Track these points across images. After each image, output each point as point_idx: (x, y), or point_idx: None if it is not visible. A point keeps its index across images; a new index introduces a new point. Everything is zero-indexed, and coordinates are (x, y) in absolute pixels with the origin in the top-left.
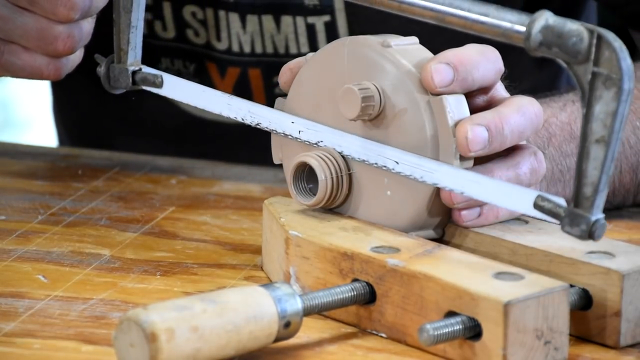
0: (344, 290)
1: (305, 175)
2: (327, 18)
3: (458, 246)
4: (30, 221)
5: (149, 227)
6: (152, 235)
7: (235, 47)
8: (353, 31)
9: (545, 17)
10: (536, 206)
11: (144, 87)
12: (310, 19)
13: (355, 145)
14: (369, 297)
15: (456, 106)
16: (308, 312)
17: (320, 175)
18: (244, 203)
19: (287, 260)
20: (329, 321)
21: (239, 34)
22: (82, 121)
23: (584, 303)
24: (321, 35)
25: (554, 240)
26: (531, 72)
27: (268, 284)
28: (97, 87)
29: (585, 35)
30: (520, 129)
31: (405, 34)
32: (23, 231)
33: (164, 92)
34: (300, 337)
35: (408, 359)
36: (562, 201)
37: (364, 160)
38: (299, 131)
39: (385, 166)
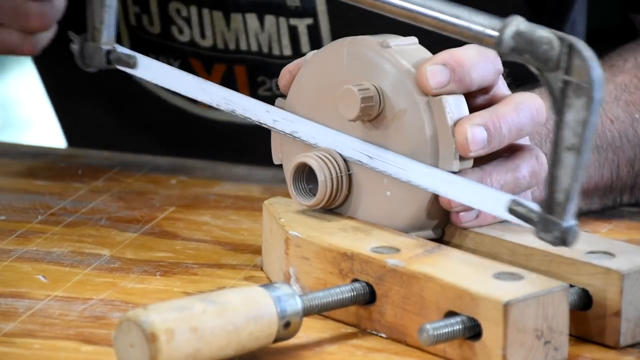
0: (344, 291)
1: (305, 175)
2: (309, 21)
3: (458, 246)
4: (30, 221)
5: (149, 227)
6: (152, 235)
7: (220, 44)
8: (336, 35)
9: (517, 23)
10: (510, 210)
11: (118, 67)
12: (293, 21)
13: (327, 137)
14: (369, 297)
15: (455, 106)
16: (308, 312)
17: (320, 176)
18: (244, 203)
19: (287, 260)
20: (328, 321)
21: (224, 31)
22: (81, 122)
23: (583, 303)
24: (304, 38)
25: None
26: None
27: (268, 284)
28: (94, 85)
29: (556, 43)
30: (518, 126)
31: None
32: (23, 231)
33: (138, 72)
34: (300, 338)
35: (408, 359)
36: (535, 206)
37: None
38: (273, 120)
39: (360, 161)
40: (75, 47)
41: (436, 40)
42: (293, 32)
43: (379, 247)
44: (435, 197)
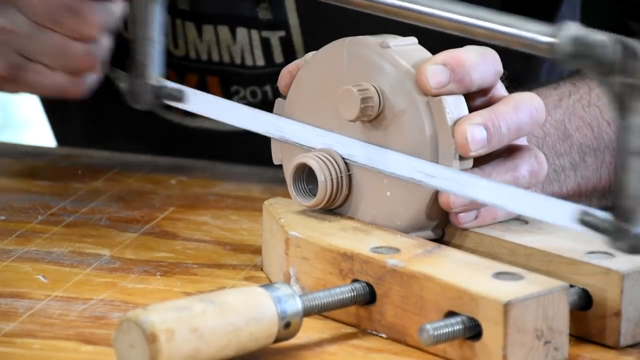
0: (344, 291)
1: (305, 176)
2: (282, 33)
3: (458, 246)
4: (30, 221)
5: (149, 227)
6: (152, 235)
7: (193, 55)
8: (309, 47)
9: (572, 28)
10: (580, 221)
11: (167, 102)
12: (265, 33)
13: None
14: (369, 297)
15: (455, 107)
16: (308, 312)
17: (320, 177)
18: (244, 203)
19: (287, 260)
20: (328, 321)
21: (196, 42)
22: (74, 129)
23: (584, 303)
24: (277, 50)
25: (554, 240)
26: (515, 59)
27: (268, 284)
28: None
29: (613, 45)
30: (517, 125)
31: None
32: (23, 231)
33: (188, 106)
34: (300, 338)
35: (408, 359)
36: (606, 215)
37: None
38: (324, 143)
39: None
40: (122, 84)
41: (435, 40)
42: (265, 43)
43: (379, 248)
44: (435, 198)
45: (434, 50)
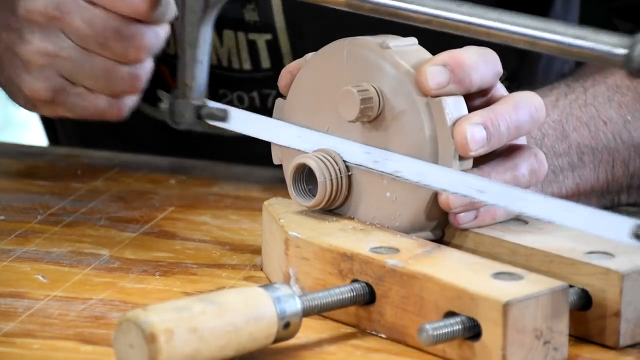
0: (344, 291)
1: (305, 176)
2: (268, 36)
3: (458, 247)
4: (29, 221)
5: (148, 227)
6: (152, 235)
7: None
8: (296, 51)
9: None
10: (635, 236)
11: (210, 122)
12: (252, 36)
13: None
14: (369, 297)
15: (455, 107)
16: (307, 312)
17: (320, 177)
18: (244, 203)
19: (287, 261)
20: (328, 322)
21: None
22: (67, 131)
23: (583, 303)
24: (263, 53)
25: (554, 240)
26: (514, 57)
27: (267, 284)
28: None
29: None
30: (517, 125)
31: None
32: (22, 231)
33: (231, 126)
34: (299, 338)
35: (408, 359)
36: None
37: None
38: (375, 162)
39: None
40: (164, 105)
41: (435, 41)
42: (252, 46)
43: (379, 248)
44: (435, 198)
45: (434, 51)
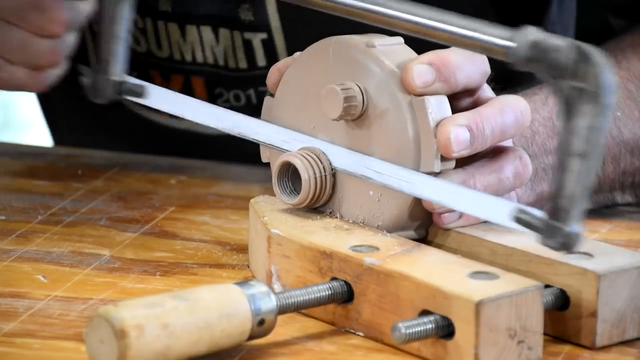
0: (321, 289)
1: (290, 174)
2: (263, 36)
3: (440, 246)
4: (30, 221)
5: (148, 227)
6: (152, 235)
7: (177, 56)
8: (292, 50)
9: (531, 33)
10: (516, 219)
11: (129, 98)
12: (247, 35)
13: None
14: (347, 295)
15: (437, 107)
16: (283, 310)
17: (304, 175)
18: (244, 203)
19: (269, 258)
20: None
21: (179, 42)
22: (64, 122)
23: (561, 303)
24: (259, 52)
25: (534, 240)
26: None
27: (242, 281)
28: (79, 99)
29: (567, 50)
30: (502, 128)
31: None
32: (23, 231)
33: (149, 102)
34: (299, 337)
35: (407, 359)
36: (539, 213)
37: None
38: (282, 141)
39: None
40: (86, 80)
41: (422, 40)
42: (247, 45)
43: (358, 246)
44: (418, 198)
45: (420, 50)
